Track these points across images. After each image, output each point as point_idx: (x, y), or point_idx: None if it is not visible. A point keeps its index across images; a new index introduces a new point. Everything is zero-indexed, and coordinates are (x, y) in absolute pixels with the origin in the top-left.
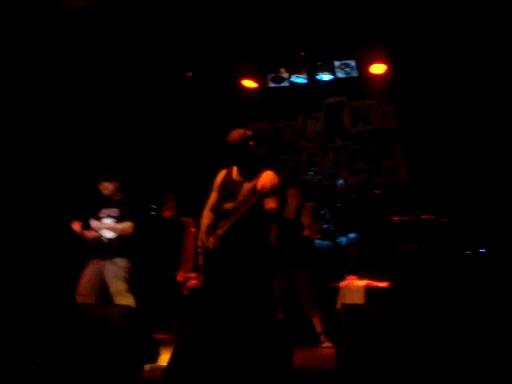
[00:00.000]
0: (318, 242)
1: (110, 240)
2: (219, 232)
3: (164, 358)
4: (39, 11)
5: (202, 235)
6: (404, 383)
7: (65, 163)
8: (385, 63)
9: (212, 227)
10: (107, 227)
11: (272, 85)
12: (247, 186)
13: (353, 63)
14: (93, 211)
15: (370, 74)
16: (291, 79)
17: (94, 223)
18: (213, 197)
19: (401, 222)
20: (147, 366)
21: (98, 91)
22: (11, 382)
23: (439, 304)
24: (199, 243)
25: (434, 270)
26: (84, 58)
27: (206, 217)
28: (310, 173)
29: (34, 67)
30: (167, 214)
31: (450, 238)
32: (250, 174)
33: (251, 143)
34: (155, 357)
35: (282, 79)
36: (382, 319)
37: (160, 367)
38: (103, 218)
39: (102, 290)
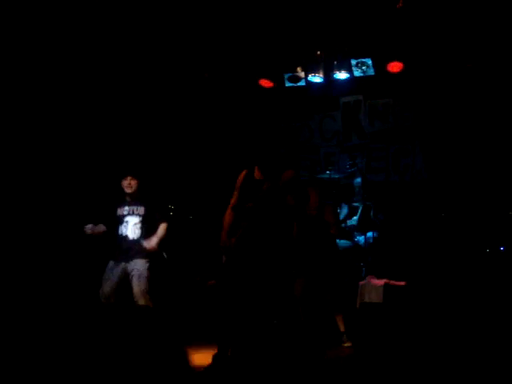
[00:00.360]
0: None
1: (134, 240)
2: (242, 232)
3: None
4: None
5: (224, 236)
6: (424, 379)
7: (77, 162)
8: (402, 61)
9: (234, 227)
10: (157, 241)
11: (289, 84)
12: (268, 185)
13: (369, 61)
14: (111, 209)
15: (387, 72)
16: (308, 78)
17: (147, 244)
18: (235, 197)
19: (421, 221)
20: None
21: (115, 91)
22: None
23: (457, 303)
24: (222, 243)
25: (452, 268)
26: (101, 57)
27: (228, 217)
28: (328, 172)
29: (50, 65)
30: None
31: (469, 236)
32: (272, 173)
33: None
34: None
35: (299, 78)
36: (401, 318)
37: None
38: (126, 215)
39: (124, 291)
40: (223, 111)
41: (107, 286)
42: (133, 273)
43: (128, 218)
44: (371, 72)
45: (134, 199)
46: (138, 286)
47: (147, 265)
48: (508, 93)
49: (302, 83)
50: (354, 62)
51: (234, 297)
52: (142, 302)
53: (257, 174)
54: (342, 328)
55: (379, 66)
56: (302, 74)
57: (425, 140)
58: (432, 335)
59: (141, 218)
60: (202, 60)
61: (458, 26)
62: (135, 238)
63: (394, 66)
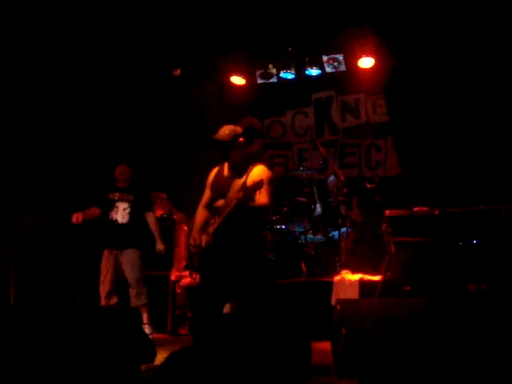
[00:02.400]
0: (310, 236)
1: (123, 225)
2: (210, 229)
3: (161, 359)
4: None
5: (195, 233)
6: (401, 376)
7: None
8: (373, 57)
9: (206, 225)
10: (160, 238)
11: (260, 81)
12: (238, 182)
13: (341, 57)
14: (101, 195)
15: (358, 67)
16: (280, 75)
17: (158, 250)
18: (206, 194)
19: (393, 215)
20: (144, 367)
21: (109, 82)
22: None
23: (433, 297)
24: (192, 241)
25: (426, 262)
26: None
27: (200, 214)
28: (301, 168)
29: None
30: (159, 212)
31: (442, 230)
32: (241, 170)
33: (241, 140)
34: (152, 357)
35: (271, 75)
36: (377, 313)
37: (157, 367)
38: (117, 201)
39: (120, 280)
40: (194, 109)
41: (105, 278)
42: (126, 262)
43: (118, 204)
44: (343, 68)
45: (125, 186)
46: (131, 274)
47: (139, 253)
48: (483, 85)
49: (273, 80)
50: (325, 58)
51: (207, 297)
52: (139, 288)
53: (226, 170)
54: None
55: (350, 61)
56: (274, 71)
57: (398, 135)
58: (410, 328)
59: (130, 204)
60: (172, 57)
61: (430, 19)
62: (124, 222)
63: (366, 62)
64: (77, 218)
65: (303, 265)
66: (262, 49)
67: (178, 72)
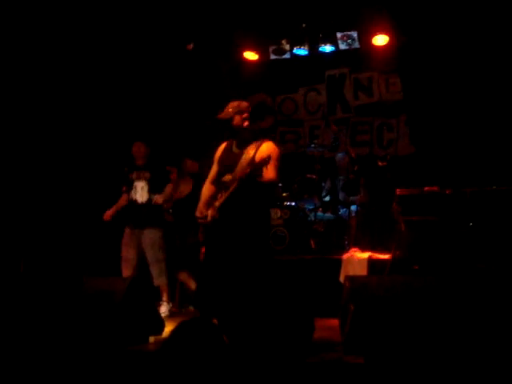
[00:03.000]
0: (320, 214)
1: (143, 205)
2: (217, 204)
3: (169, 331)
4: None
5: (201, 206)
6: (408, 352)
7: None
8: (387, 34)
9: (212, 199)
10: (163, 197)
11: (273, 57)
12: (246, 157)
13: (355, 34)
14: (124, 175)
15: (373, 45)
16: (293, 51)
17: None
18: (213, 169)
19: (404, 194)
20: (152, 338)
21: (108, 66)
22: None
23: (442, 275)
24: (198, 214)
25: (436, 241)
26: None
27: (207, 189)
28: (312, 145)
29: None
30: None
31: (453, 210)
32: (248, 145)
33: (245, 115)
34: (161, 329)
35: (284, 51)
36: (385, 290)
37: (165, 339)
38: (135, 180)
39: (141, 259)
40: (207, 84)
41: (126, 257)
42: (146, 242)
43: (136, 183)
44: (356, 45)
45: (143, 164)
46: (151, 254)
47: (160, 233)
48: (498, 62)
49: (286, 56)
50: (339, 34)
51: (212, 271)
52: (155, 269)
53: (234, 146)
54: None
55: (365, 39)
56: (287, 47)
57: (411, 113)
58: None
59: (147, 182)
60: (185, 32)
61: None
62: (143, 201)
63: (380, 39)
64: (109, 215)
65: (312, 242)
66: (275, 25)
67: (191, 46)
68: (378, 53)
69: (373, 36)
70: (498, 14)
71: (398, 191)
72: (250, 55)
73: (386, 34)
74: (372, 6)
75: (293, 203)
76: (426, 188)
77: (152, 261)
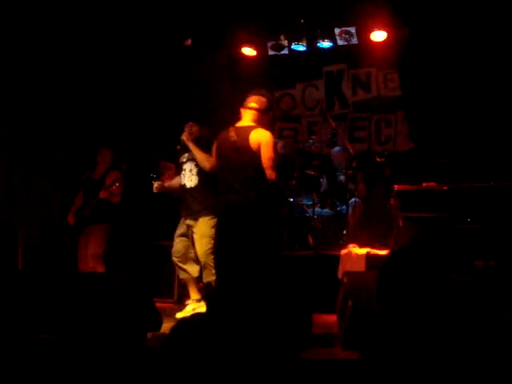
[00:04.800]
0: (318, 210)
1: (192, 189)
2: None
3: (167, 327)
4: None
5: None
6: (406, 348)
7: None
8: (385, 30)
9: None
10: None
11: (271, 52)
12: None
13: (353, 30)
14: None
15: (371, 40)
16: (291, 47)
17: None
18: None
19: (402, 190)
20: (150, 335)
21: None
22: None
23: (440, 270)
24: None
25: (434, 238)
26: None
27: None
28: (310, 141)
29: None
30: (167, 182)
31: (451, 206)
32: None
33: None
34: (158, 325)
35: (282, 47)
36: (384, 286)
37: (163, 335)
38: (185, 162)
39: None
40: (204, 79)
41: (177, 247)
42: (196, 232)
43: (186, 166)
44: (355, 41)
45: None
46: (200, 246)
47: (211, 222)
48: (497, 58)
49: (285, 52)
50: (337, 30)
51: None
52: (204, 260)
53: (232, 135)
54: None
55: (363, 34)
56: (285, 43)
57: (409, 109)
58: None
59: (196, 163)
60: (183, 27)
61: None
62: (192, 186)
63: (378, 35)
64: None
65: (310, 238)
66: (273, 20)
67: (189, 42)
68: (376, 48)
69: (371, 32)
70: (497, 10)
71: (396, 187)
72: (248, 51)
73: (384, 29)
74: (370, 1)
75: (291, 199)
76: (424, 184)
77: (201, 254)
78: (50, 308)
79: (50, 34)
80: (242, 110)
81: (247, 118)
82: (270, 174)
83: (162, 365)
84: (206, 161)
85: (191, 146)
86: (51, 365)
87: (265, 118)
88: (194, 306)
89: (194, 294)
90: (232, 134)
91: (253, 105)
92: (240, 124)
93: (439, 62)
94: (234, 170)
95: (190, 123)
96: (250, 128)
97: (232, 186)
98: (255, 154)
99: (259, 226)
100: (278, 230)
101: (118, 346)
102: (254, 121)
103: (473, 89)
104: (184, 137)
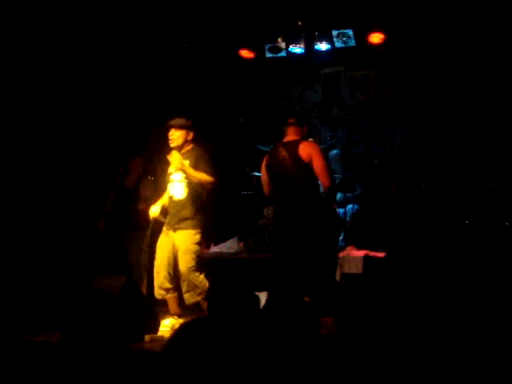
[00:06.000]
0: None
1: (179, 202)
2: None
3: (164, 330)
4: None
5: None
6: (404, 348)
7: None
8: (383, 32)
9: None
10: (191, 172)
11: (269, 55)
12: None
13: (350, 32)
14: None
15: (368, 43)
16: (289, 49)
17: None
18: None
19: (400, 192)
20: (148, 337)
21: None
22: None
23: (437, 273)
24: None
25: (432, 239)
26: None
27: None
28: None
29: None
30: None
31: (449, 207)
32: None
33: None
34: (156, 327)
35: (280, 49)
36: (381, 288)
37: (160, 337)
38: (173, 172)
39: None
40: (202, 82)
41: (158, 259)
42: (179, 246)
43: (174, 176)
44: (352, 43)
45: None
46: (183, 261)
47: (196, 237)
48: (494, 62)
49: (282, 54)
50: (335, 32)
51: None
52: (187, 278)
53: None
54: None
55: (360, 36)
56: (283, 45)
57: (406, 112)
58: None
59: (184, 174)
60: (181, 30)
61: None
62: (180, 198)
63: (375, 37)
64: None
65: None
66: (271, 23)
67: (186, 44)
68: (373, 51)
69: (369, 34)
70: (495, 12)
71: (394, 189)
72: (246, 53)
73: (381, 32)
74: (368, 4)
75: None
76: (423, 186)
77: (183, 271)
78: (48, 310)
79: (50, 42)
80: (285, 128)
81: (291, 133)
82: (325, 180)
83: (163, 368)
84: (207, 178)
85: (186, 171)
86: (50, 366)
87: (305, 131)
88: (174, 322)
89: (175, 307)
90: (281, 149)
91: (292, 121)
92: (286, 139)
93: (436, 64)
94: (286, 183)
95: (172, 129)
96: (297, 142)
97: (286, 197)
98: (306, 165)
99: (319, 230)
100: (335, 231)
101: (116, 348)
102: (297, 134)
103: (471, 91)
104: (175, 164)
